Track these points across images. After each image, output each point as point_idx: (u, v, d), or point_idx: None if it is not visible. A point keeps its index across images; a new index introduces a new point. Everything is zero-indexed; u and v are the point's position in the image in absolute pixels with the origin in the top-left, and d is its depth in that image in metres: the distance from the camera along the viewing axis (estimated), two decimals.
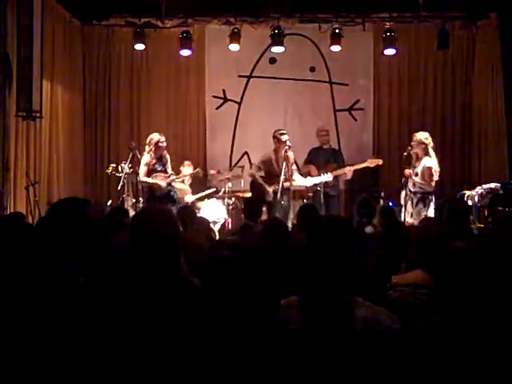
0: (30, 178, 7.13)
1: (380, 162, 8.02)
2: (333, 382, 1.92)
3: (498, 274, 1.79)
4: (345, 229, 2.09)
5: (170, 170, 7.51)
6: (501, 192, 7.10)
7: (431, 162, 6.96)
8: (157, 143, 7.28)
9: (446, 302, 1.85)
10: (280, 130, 7.54)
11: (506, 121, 8.73)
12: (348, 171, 8.01)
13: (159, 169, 7.37)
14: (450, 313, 1.82)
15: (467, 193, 7.39)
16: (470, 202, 7.03)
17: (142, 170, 7.34)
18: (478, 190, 7.27)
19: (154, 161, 7.34)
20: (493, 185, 7.27)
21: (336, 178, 7.91)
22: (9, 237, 3.02)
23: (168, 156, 7.54)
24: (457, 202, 6.32)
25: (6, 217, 5.51)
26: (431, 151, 7.02)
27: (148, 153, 7.33)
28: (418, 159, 7.00)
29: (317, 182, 7.57)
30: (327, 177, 7.56)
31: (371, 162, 7.97)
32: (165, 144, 7.37)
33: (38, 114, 7.05)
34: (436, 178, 7.00)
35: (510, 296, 1.79)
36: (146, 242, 2.22)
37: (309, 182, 7.60)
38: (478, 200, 7.14)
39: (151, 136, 7.37)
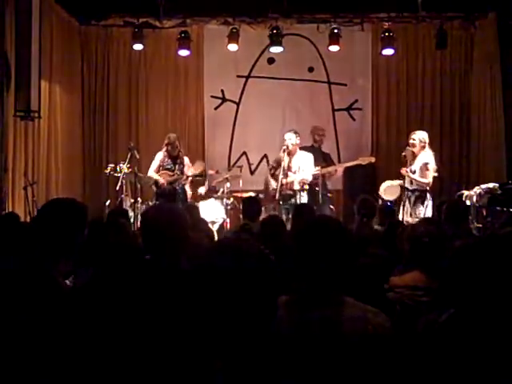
0: (28, 179, 7.12)
1: (373, 159, 8.03)
2: (323, 382, 1.91)
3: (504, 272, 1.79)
4: (335, 230, 2.06)
5: (188, 172, 7.76)
6: (499, 192, 7.10)
7: (429, 157, 7.04)
8: (167, 144, 7.65)
9: (450, 301, 1.84)
10: (289, 130, 7.64)
11: (504, 121, 8.74)
12: (339, 169, 8.06)
13: (168, 167, 7.67)
14: (454, 312, 1.82)
15: (466, 193, 7.40)
16: (468, 202, 7.03)
17: (153, 165, 7.72)
18: (477, 189, 7.28)
19: (165, 159, 7.67)
20: (491, 185, 7.27)
21: (324, 176, 7.87)
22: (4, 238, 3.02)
23: (186, 159, 7.83)
24: (455, 201, 6.33)
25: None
26: (429, 149, 7.11)
27: (162, 150, 7.71)
28: (414, 157, 7.05)
29: (315, 172, 7.52)
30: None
31: (363, 160, 7.99)
32: (175, 149, 7.65)
33: (36, 114, 7.03)
34: (434, 174, 7.07)
35: None
36: (154, 239, 2.23)
37: (307, 174, 7.51)
38: (477, 200, 7.14)
39: (167, 135, 7.75)
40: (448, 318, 1.86)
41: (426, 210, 6.93)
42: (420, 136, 7.11)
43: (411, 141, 7.10)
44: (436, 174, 7.15)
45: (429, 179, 6.99)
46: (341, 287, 2.02)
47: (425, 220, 4.19)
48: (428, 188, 7.03)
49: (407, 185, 7.01)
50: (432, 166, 7.03)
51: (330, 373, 1.89)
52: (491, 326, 1.77)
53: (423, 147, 7.05)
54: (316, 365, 1.90)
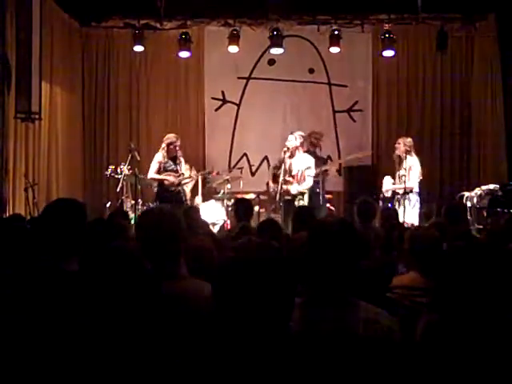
0: (28, 180, 7.13)
1: (369, 153, 8.12)
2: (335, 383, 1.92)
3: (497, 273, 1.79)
4: (347, 231, 2.08)
5: (184, 171, 7.72)
6: (500, 193, 7.10)
7: (413, 162, 7.33)
8: (169, 144, 7.50)
9: (445, 302, 1.85)
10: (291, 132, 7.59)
11: (504, 121, 8.74)
12: (332, 168, 8.19)
13: (170, 168, 7.58)
14: (449, 314, 1.82)
15: (466, 194, 7.40)
16: (468, 204, 7.05)
17: (153, 167, 7.59)
18: (477, 191, 7.29)
19: (166, 160, 7.56)
20: (492, 186, 7.28)
21: (318, 175, 7.87)
22: (9, 239, 3.02)
23: (182, 159, 7.74)
24: (455, 203, 6.35)
25: (5, 219, 5.49)
26: (414, 154, 7.43)
27: (161, 151, 7.57)
28: (401, 162, 7.35)
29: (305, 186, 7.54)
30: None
31: (361, 154, 8.09)
32: (178, 147, 7.55)
33: (36, 116, 7.05)
34: (419, 178, 7.36)
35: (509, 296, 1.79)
36: (148, 241, 2.24)
37: (295, 187, 7.47)
38: (477, 201, 7.15)
39: (166, 136, 7.60)
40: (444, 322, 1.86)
41: (413, 210, 7.09)
42: (405, 140, 7.40)
43: (396, 145, 7.40)
44: (420, 178, 7.38)
45: (411, 183, 7.22)
46: (351, 289, 2.04)
47: (433, 222, 4.20)
48: (414, 190, 7.29)
49: (397, 190, 7.36)
50: (416, 169, 7.28)
51: (340, 373, 1.90)
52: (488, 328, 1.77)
53: (408, 151, 7.26)
54: (327, 365, 1.91)
